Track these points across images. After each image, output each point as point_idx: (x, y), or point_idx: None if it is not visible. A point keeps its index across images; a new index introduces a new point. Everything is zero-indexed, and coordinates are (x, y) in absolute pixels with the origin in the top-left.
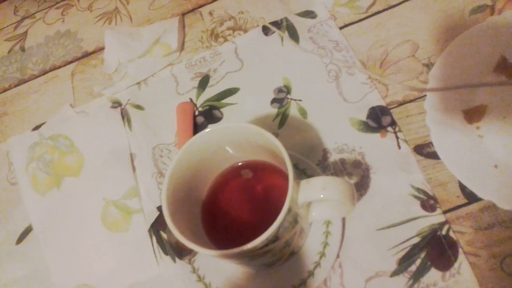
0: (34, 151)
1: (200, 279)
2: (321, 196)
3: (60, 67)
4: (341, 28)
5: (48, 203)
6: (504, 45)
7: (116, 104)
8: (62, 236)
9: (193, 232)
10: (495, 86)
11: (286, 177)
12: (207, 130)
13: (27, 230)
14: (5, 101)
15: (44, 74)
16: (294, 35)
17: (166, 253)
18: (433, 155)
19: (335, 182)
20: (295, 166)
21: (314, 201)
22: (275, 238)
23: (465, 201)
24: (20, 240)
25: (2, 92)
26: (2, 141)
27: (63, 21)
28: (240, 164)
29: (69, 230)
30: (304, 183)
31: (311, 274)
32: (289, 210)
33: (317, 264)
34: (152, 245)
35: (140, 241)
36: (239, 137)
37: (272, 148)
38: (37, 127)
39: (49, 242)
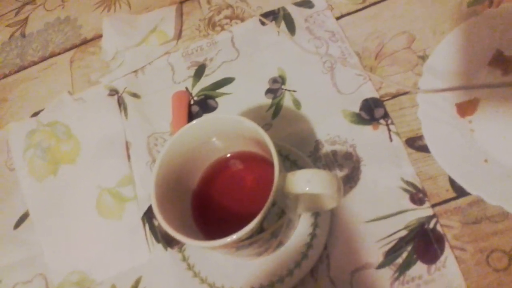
0: (32, 137)
1: (189, 267)
2: (307, 189)
3: (59, 53)
4: (337, 18)
5: (44, 190)
6: (500, 38)
7: (113, 92)
8: (57, 222)
9: (182, 222)
10: (489, 79)
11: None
12: (194, 122)
13: (25, 216)
14: (4, 87)
15: (43, 60)
16: (290, 25)
17: (158, 241)
18: (424, 149)
19: (320, 175)
20: (287, 157)
21: (300, 193)
22: (260, 229)
23: (454, 195)
24: (17, 225)
25: (3, 78)
26: (1, 128)
27: (63, 7)
28: (230, 155)
29: (64, 217)
30: (290, 175)
31: (298, 265)
32: (274, 203)
33: (304, 256)
34: (145, 232)
35: (133, 229)
36: (228, 128)
37: (261, 139)
38: (35, 114)
39: (45, 228)
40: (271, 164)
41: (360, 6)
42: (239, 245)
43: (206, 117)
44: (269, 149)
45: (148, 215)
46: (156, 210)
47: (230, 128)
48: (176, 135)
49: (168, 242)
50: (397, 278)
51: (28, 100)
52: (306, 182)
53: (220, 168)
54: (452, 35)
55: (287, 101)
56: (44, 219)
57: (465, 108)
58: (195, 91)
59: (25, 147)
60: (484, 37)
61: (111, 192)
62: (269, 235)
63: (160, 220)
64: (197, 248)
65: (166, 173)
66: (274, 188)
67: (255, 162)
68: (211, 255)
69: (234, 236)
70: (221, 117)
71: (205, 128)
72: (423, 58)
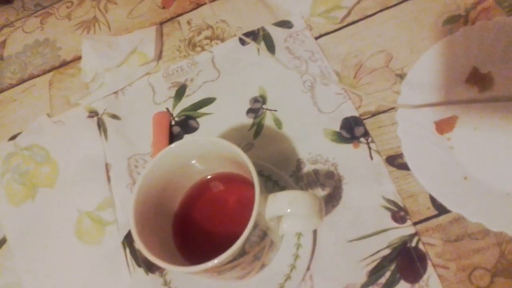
0: (9, 161)
1: None
2: (288, 210)
3: (38, 76)
4: (316, 38)
5: (22, 215)
6: (476, 55)
7: (93, 113)
8: (36, 248)
9: (163, 245)
10: (466, 96)
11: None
12: (173, 145)
13: (2, 241)
14: None
15: (21, 83)
16: (270, 45)
17: (139, 265)
18: (405, 166)
19: (302, 197)
20: (269, 177)
21: (282, 215)
22: (242, 252)
23: (435, 212)
24: None
25: None
26: None
27: (42, 29)
28: (211, 176)
29: (43, 242)
30: (271, 197)
31: (281, 286)
32: (256, 225)
33: (288, 277)
34: (126, 257)
35: (113, 253)
36: (208, 150)
37: (241, 161)
38: (13, 137)
39: (23, 254)
40: (252, 185)
41: (338, 26)
42: (221, 269)
43: (185, 140)
44: (249, 171)
45: (129, 239)
46: (135, 236)
47: (210, 150)
48: (155, 159)
49: (149, 266)
50: None
51: (6, 123)
52: (288, 203)
53: (201, 190)
54: (429, 53)
55: (269, 121)
56: (23, 245)
57: (444, 126)
58: (176, 111)
59: (2, 172)
60: (460, 55)
61: (90, 216)
62: (251, 257)
63: (139, 245)
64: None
65: (146, 197)
66: (254, 211)
67: (236, 183)
68: (193, 278)
69: (216, 261)
70: (200, 139)
71: (184, 151)
72: (401, 76)
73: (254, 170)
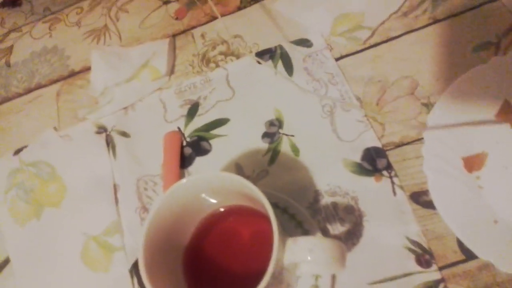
0: (14, 178)
1: None
2: (308, 258)
3: (45, 85)
4: (337, 59)
5: (27, 235)
6: (508, 88)
7: (101, 129)
8: (40, 271)
9: (172, 282)
10: (497, 132)
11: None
12: (184, 180)
13: (5, 262)
14: None
15: (28, 92)
16: (288, 64)
17: None
18: (430, 205)
19: (323, 244)
20: (285, 210)
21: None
22: None
23: (463, 257)
24: None
25: None
26: None
27: (50, 36)
28: (223, 209)
29: (47, 265)
30: (291, 243)
31: None
32: (274, 273)
33: None
34: (133, 286)
35: (120, 282)
36: (220, 185)
37: (256, 197)
38: (18, 151)
39: (26, 276)
40: (266, 218)
41: (360, 47)
42: None
43: (195, 175)
44: (265, 209)
45: (136, 268)
46: (144, 275)
47: (222, 184)
48: (165, 195)
49: None
50: None
51: (12, 135)
52: (308, 251)
53: (213, 223)
54: (457, 83)
55: (285, 147)
56: (26, 267)
57: (473, 162)
58: (187, 131)
59: (7, 188)
60: (491, 87)
61: (97, 240)
62: None
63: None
64: None
65: (156, 234)
66: (272, 261)
67: (250, 217)
68: None
69: None
70: (212, 175)
71: (195, 185)
72: (427, 106)
73: (272, 210)
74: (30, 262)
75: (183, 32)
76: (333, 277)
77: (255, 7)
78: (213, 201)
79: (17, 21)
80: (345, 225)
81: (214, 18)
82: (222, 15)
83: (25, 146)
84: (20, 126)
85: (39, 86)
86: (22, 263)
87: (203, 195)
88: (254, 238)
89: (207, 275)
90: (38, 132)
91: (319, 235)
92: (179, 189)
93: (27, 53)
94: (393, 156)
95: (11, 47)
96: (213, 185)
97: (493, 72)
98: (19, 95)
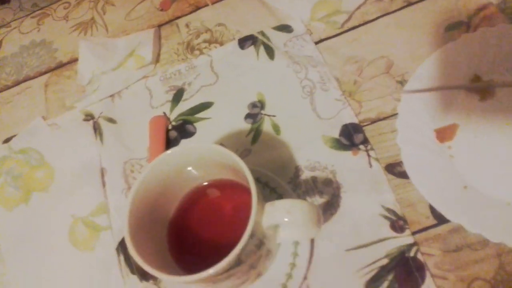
0: (3, 165)
1: None
2: (286, 219)
3: (34, 77)
4: (316, 43)
5: (15, 219)
6: (478, 63)
7: (89, 117)
8: (29, 254)
9: (157, 253)
10: (467, 104)
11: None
12: (169, 151)
13: None
14: None
15: (17, 84)
16: (269, 49)
17: (133, 272)
18: (404, 175)
19: (300, 206)
20: (266, 184)
21: (279, 224)
22: (238, 262)
23: (435, 222)
24: None
25: None
26: None
27: (38, 30)
28: (207, 183)
29: (35, 248)
30: (269, 206)
31: None
32: (252, 234)
33: (284, 287)
34: (119, 263)
35: (106, 260)
36: (205, 157)
37: (238, 168)
38: (7, 140)
39: (15, 259)
40: (249, 192)
41: (339, 31)
42: (216, 279)
43: (181, 146)
44: (246, 178)
45: (123, 246)
46: (129, 244)
47: (206, 157)
48: (151, 165)
49: (143, 274)
50: None
51: (1, 125)
52: (286, 212)
53: (197, 197)
54: (430, 60)
55: (267, 126)
56: (15, 250)
57: (444, 134)
58: (173, 116)
59: None
60: (461, 62)
61: (84, 221)
62: (247, 267)
63: (133, 254)
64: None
65: (141, 204)
66: (251, 220)
67: (233, 190)
68: (188, 287)
69: (211, 271)
70: (197, 146)
71: (181, 157)
72: (402, 83)
73: (252, 178)
74: (19, 245)
75: (168, 22)
76: (312, 245)
77: None
78: (198, 174)
79: (6, 17)
80: (324, 196)
81: (198, 8)
82: (207, 5)
83: (14, 135)
84: (9, 117)
85: (28, 78)
86: (11, 247)
87: (189, 168)
88: (236, 210)
89: (191, 246)
90: (27, 122)
91: (295, 198)
92: (164, 160)
93: (15, 47)
94: (369, 131)
95: (0, 42)
96: (198, 157)
97: (463, 49)
98: (8, 87)
